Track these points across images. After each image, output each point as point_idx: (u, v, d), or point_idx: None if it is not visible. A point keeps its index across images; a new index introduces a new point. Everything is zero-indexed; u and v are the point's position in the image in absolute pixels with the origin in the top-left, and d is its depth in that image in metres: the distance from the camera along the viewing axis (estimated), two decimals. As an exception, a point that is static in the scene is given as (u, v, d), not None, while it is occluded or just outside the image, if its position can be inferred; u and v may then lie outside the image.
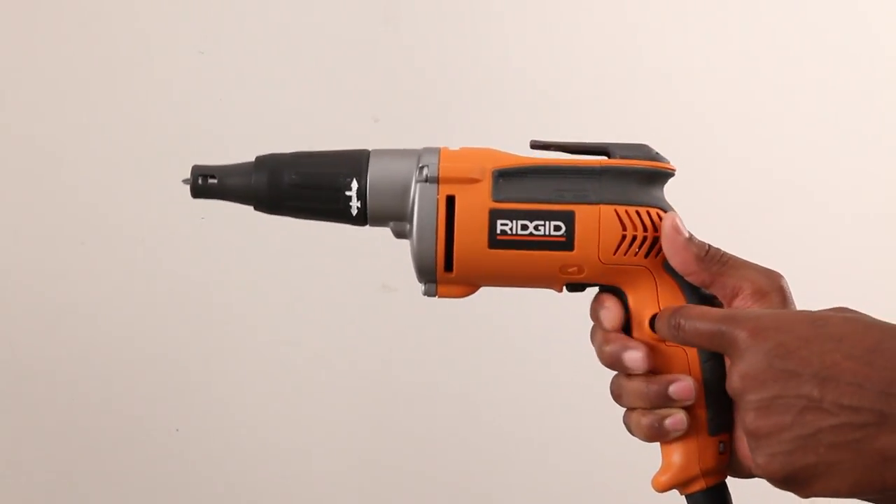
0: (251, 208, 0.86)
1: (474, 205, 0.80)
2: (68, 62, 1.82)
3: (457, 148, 0.82)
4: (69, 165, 1.82)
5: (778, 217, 1.89)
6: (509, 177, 0.81)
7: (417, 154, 0.82)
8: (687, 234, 0.80)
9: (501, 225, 0.80)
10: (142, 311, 1.83)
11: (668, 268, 0.82)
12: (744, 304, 0.79)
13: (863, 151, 1.93)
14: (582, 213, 0.81)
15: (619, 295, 0.83)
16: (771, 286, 0.79)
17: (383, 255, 1.81)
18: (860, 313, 0.73)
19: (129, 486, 1.84)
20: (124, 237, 1.83)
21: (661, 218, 0.81)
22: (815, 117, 1.93)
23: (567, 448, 1.90)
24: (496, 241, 0.80)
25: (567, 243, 0.80)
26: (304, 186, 0.82)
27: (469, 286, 0.83)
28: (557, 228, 0.80)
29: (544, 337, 1.82)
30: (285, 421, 1.86)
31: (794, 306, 0.79)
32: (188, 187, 0.84)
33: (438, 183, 0.80)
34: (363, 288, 1.84)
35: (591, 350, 0.86)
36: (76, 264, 1.82)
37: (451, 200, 0.80)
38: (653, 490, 0.85)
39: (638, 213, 0.81)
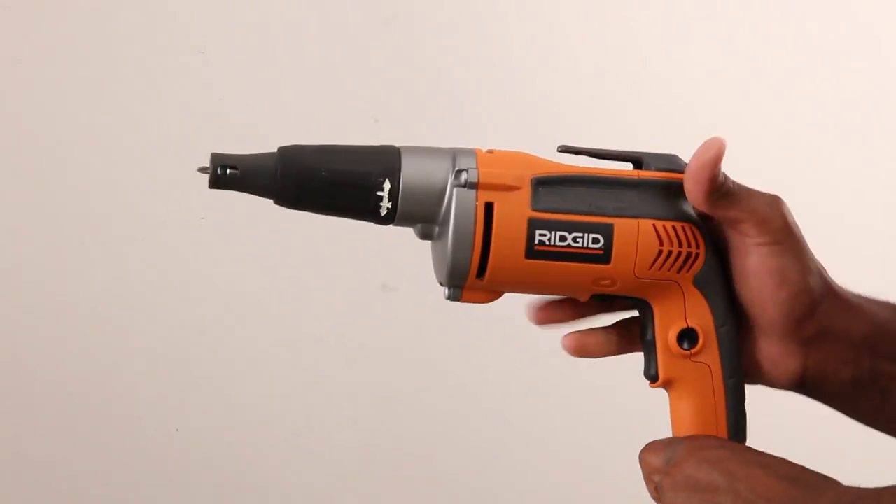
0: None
1: (513, 214, 0.78)
2: (68, 62, 1.82)
3: (488, 149, 0.80)
4: (69, 165, 1.82)
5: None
6: (548, 185, 0.79)
7: (451, 155, 0.79)
8: (711, 175, 0.80)
9: (540, 235, 0.78)
10: (142, 311, 1.83)
11: (697, 282, 0.81)
12: (747, 234, 0.79)
13: (864, 152, 1.93)
14: (621, 226, 0.79)
15: (645, 308, 0.82)
16: (771, 214, 0.79)
17: (383, 255, 1.81)
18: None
19: (129, 486, 1.84)
20: (124, 237, 1.83)
21: (694, 234, 0.80)
22: (816, 118, 1.93)
23: (567, 448, 1.90)
24: (533, 252, 0.78)
25: (604, 256, 0.79)
26: (334, 184, 0.78)
27: (495, 293, 0.81)
28: (596, 241, 0.79)
29: (545, 336, 1.82)
30: (285, 421, 1.86)
31: (797, 231, 0.80)
32: (206, 177, 0.80)
33: (477, 189, 0.78)
34: (363, 288, 1.84)
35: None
36: (76, 264, 1.82)
37: (489, 207, 0.78)
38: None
39: (675, 227, 0.80)
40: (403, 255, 1.85)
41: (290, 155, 0.79)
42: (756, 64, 1.93)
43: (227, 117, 1.83)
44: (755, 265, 0.79)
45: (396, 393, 1.89)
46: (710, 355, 0.81)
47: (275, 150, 0.79)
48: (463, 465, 1.90)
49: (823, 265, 0.82)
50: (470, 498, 1.91)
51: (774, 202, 0.81)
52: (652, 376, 0.82)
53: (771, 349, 0.81)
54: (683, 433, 0.81)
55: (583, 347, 0.84)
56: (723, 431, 0.81)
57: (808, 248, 0.81)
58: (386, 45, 1.88)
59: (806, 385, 0.81)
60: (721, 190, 0.79)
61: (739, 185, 0.81)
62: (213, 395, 1.85)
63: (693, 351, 0.81)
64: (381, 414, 1.88)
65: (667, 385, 0.82)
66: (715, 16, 1.93)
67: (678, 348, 0.81)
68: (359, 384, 1.88)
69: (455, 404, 1.89)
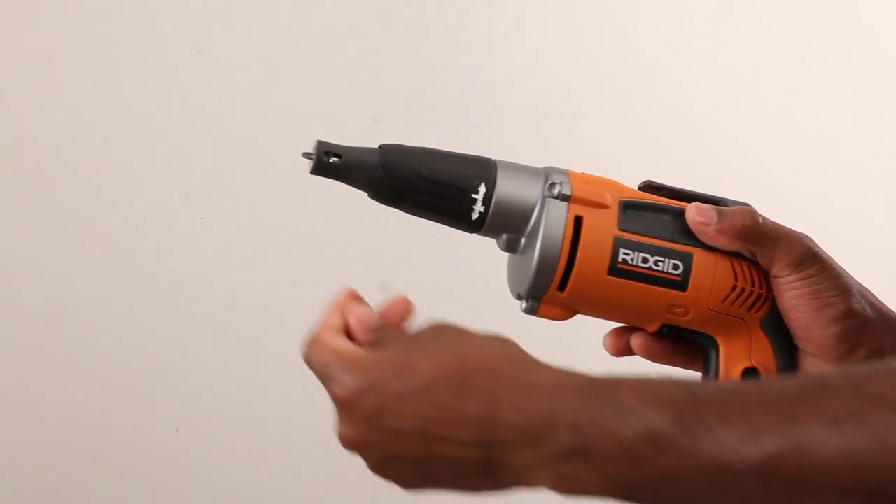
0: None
1: (601, 229, 0.81)
2: (68, 62, 1.82)
3: (580, 171, 0.83)
4: (69, 165, 1.82)
5: (779, 217, 1.89)
6: (634, 209, 0.82)
7: (545, 171, 0.82)
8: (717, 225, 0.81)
9: (624, 254, 0.81)
10: (142, 311, 1.83)
11: (763, 324, 0.83)
12: (782, 274, 0.81)
13: (865, 152, 1.93)
14: (700, 256, 0.82)
15: (710, 345, 0.84)
16: (804, 254, 0.81)
17: (383, 255, 1.81)
18: (449, 331, 0.72)
19: (130, 486, 1.84)
20: (124, 237, 1.83)
21: (765, 276, 0.83)
22: (817, 118, 1.93)
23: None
24: (616, 269, 0.81)
25: (682, 283, 0.81)
26: (434, 182, 0.81)
27: (571, 310, 0.83)
28: (675, 267, 0.81)
29: (546, 336, 1.82)
30: (285, 421, 1.86)
31: (829, 259, 0.81)
32: (309, 162, 0.81)
33: (570, 202, 0.81)
34: (363, 288, 1.84)
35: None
36: (76, 264, 1.82)
37: (578, 221, 0.81)
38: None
39: (749, 268, 0.83)
40: (403, 255, 1.86)
41: (392, 151, 0.81)
42: (760, 63, 1.93)
43: (227, 117, 1.83)
44: (794, 297, 0.81)
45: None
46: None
47: (360, 148, 0.82)
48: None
49: (867, 288, 0.83)
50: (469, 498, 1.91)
51: (804, 239, 0.83)
52: None
53: None
54: None
55: (646, 350, 0.85)
56: None
57: (846, 273, 0.83)
58: (386, 45, 1.88)
59: None
60: (756, 229, 0.82)
61: (773, 224, 0.83)
62: (213, 395, 1.85)
63: None
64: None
65: None
66: (718, 14, 1.93)
67: None
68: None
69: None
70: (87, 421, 1.83)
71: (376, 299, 0.78)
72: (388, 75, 1.87)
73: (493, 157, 0.82)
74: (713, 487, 0.60)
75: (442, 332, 0.71)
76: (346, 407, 0.71)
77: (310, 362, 0.74)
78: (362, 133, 1.84)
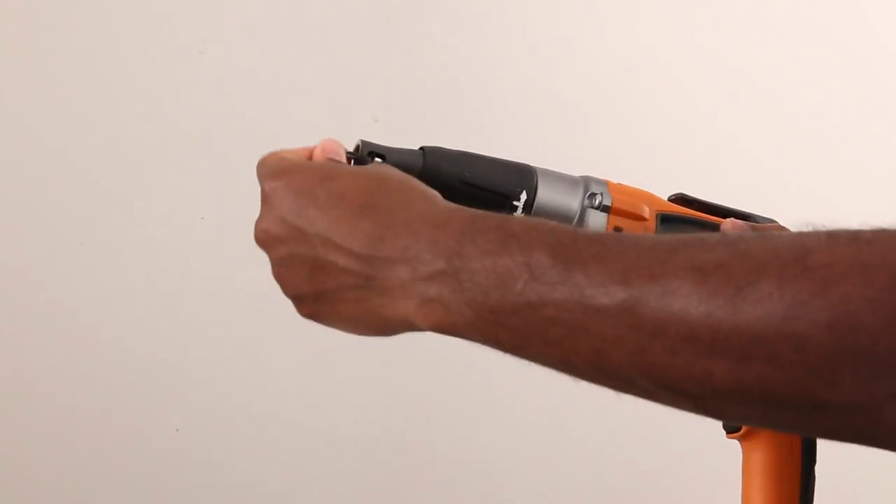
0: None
1: None
2: (68, 62, 1.82)
3: (617, 182, 0.83)
4: (69, 165, 1.82)
5: (780, 217, 1.89)
6: (671, 222, 0.83)
7: (584, 180, 0.82)
8: None
9: None
10: (142, 311, 1.83)
11: None
12: None
13: (867, 152, 1.93)
14: None
15: None
16: None
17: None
18: (385, 169, 0.73)
19: (130, 486, 1.84)
20: (124, 237, 1.83)
21: None
22: (818, 118, 1.93)
23: (568, 447, 1.90)
24: None
25: None
26: (476, 186, 0.81)
27: None
28: None
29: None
30: (285, 421, 1.86)
31: None
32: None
33: (609, 213, 0.81)
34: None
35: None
36: (76, 264, 1.82)
37: (617, 232, 0.81)
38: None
39: None
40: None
41: (435, 154, 0.81)
42: (760, 63, 1.93)
43: (227, 117, 1.83)
44: None
45: (396, 393, 1.88)
46: None
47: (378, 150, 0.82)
48: (463, 465, 1.90)
49: None
50: (470, 498, 1.91)
51: None
52: (733, 428, 0.85)
53: None
54: (755, 486, 0.84)
55: None
56: (796, 486, 0.84)
57: None
58: (386, 45, 1.88)
59: None
60: None
61: None
62: (213, 395, 1.85)
63: None
64: (382, 414, 1.88)
65: (746, 437, 0.85)
66: (718, 14, 1.93)
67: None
68: (359, 384, 1.88)
69: (455, 404, 1.89)
70: (87, 421, 1.83)
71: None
72: (388, 75, 1.87)
73: (533, 165, 0.82)
74: (574, 324, 0.59)
75: (384, 167, 0.73)
76: (267, 200, 0.73)
77: (258, 166, 0.76)
78: (362, 133, 1.84)
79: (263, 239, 0.74)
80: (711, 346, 0.55)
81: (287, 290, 0.73)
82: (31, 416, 1.83)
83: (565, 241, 0.61)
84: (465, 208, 0.67)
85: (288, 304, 0.74)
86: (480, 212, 0.66)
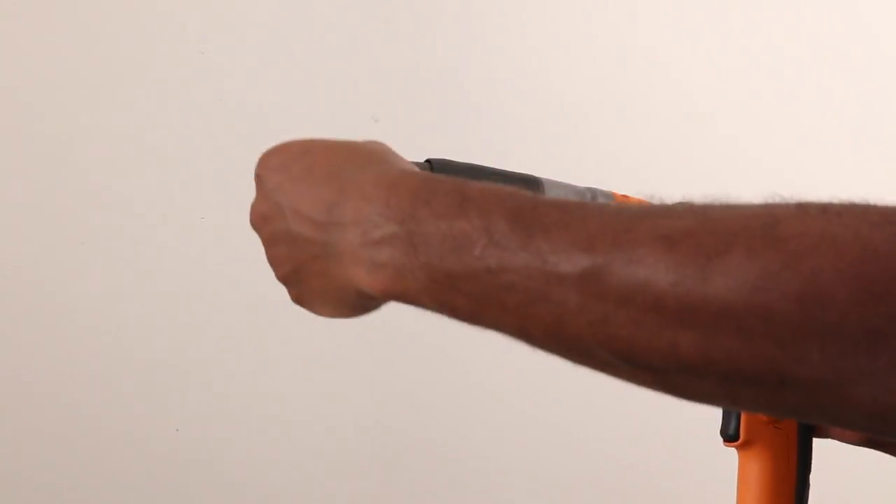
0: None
1: None
2: (69, 62, 1.82)
3: (622, 194, 0.83)
4: (69, 165, 1.82)
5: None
6: None
7: (591, 191, 0.82)
8: None
9: None
10: (142, 311, 1.84)
11: None
12: None
13: (865, 152, 1.93)
14: None
15: None
16: None
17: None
18: (364, 142, 0.72)
19: (130, 486, 1.84)
20: (124, 237, 1.83)
21: None
22: (817, 118, 1.93)
23: (567, 447, 1.90)
24: None
25: None
26: None
27: None
28: None
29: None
30: (285, 421, 1.86)
31: None
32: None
33: None
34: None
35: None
36: (76, 264, 1.82)
37: None
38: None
39: None
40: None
41: (440, 166, 0.81)
42: (759, 63, 1.93)
43: (227, 117, 1.83)
44: None
45: (396, 393, 1.89)
46: (790, 423, 0.85)
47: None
48: (462, 465, 1.90)
49: None
50: (469, 498, 1.91)
51: None
52: (731, 436, 0.85)
53: None
54: (750, 495, 0.84)
55: None
56: (790, 496, 0.84)
57: None
58: (386, 45, 1.88)
59: (875, 442, 0.83)
60: None
61: None
62: (213, 395, 1.86)
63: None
64: (381, 413, 1.88)
65: (744, 446, 0.85)
66: (718, 14, 1.93)
67: (764, 415, 0.84)
68: (359, 384, 1.88)
69: (454, 403, 1.89)
70: (88, 421, 1.83)
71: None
72: (388, 75, 1.87)
73: (537, 175, 0.82)
74: (535, 291, 0.57)
75: (366, 141, 0.72)
76: (257, 182, 0.73)
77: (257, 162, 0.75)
78: (362, 133, 1.84)
79: (254, 221, 0.74)
80: (678, 317, 0.52)
81: (276, 273, 0.72)
82: (31, 416, 1.83)
83: (526, 206, 0.58)
84: (421, 171, 0.65)
85: (288, 304, 0.74)
86: (436, 174, 0.64)
